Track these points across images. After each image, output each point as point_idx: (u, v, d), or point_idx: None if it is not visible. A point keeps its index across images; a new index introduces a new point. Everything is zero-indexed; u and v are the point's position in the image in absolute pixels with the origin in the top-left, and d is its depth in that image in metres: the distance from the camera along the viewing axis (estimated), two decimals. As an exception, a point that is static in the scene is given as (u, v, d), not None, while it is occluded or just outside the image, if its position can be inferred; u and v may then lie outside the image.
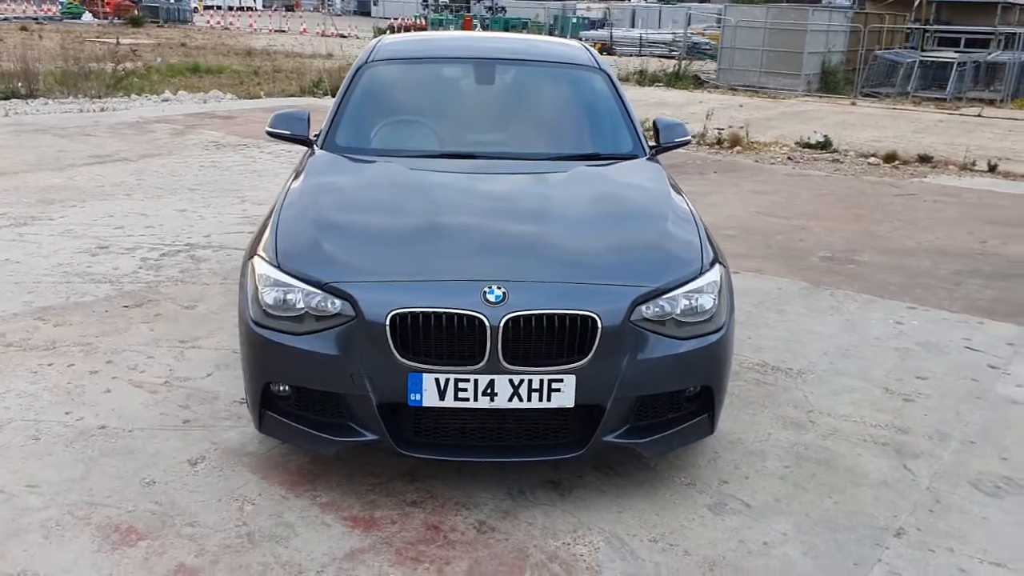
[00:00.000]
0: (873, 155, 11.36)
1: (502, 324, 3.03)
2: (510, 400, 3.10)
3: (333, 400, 3.22)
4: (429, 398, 3.09)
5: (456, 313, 3.04)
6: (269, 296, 3.25)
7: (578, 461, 3.32)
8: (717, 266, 3.48)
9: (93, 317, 4.98)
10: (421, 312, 3.05)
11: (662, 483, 3.50)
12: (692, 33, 32.50)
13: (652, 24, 43.15)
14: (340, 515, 3.21)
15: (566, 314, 3.07)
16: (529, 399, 3.10)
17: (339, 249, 3.34)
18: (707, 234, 3.66)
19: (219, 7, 57.07)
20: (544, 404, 3.11)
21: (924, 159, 11.39)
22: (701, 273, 3.38)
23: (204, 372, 4.34)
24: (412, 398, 3.09)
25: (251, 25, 42.83)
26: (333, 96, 17.17)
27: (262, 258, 3.39)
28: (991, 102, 22.42)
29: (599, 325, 3.07)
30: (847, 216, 8.17)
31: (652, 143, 4.62)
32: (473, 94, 4.69)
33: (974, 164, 11.05)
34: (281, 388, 3.30)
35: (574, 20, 43.60)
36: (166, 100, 14.81)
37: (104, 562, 2.90)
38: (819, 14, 23.56)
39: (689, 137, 4.76)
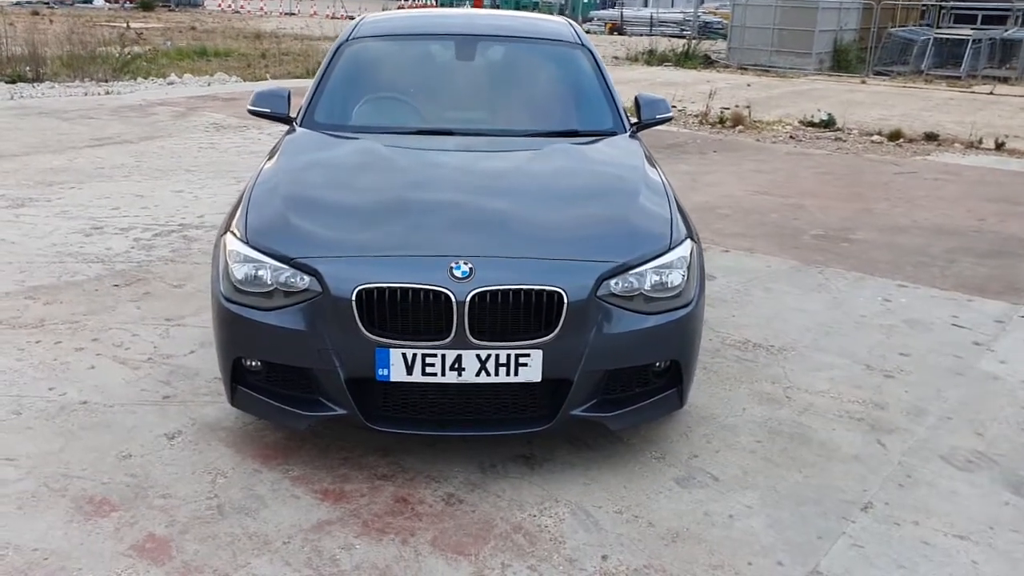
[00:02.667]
0: (877, 133, 11.27)
1: (468, 299, 3.05)
2: (477, 375, 3.12)
3: (303, 375, 3.25)
4: (396, 373, 3.12)
5: (422, 288, 3.06)
6: (239, 272, 3.28)
7: (546, 434, 3.34)
8: (688, 242, 3.48)
9: (83, 296, 5.04)
10: (387, 287, 3.07)
11: (632, 457, 3.52)
12: (704, 12, 32.25)
13: (665, 3, 42.86)
14: (310, 488, 3.25)
15: (532, 289, 3.09)
16: (496, 374, 3.12)
17: (307, 225, 3.37)
18: (679, 210, 3.66)
19: (232, -10, 57.06)
20: (511, 379, 3.13)
21: (930, 137, 11.30)
22: (670, 249, 3.38)
23: (187, 349, 4.38)
24: (380, 373, 3.12)
25: (262, 8, 42.77)
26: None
27: (233, 234, 3.42)
28: (1005, 80, 22.15)
29: (565, 300, 3.09)
30: (845, 195, 8.13)
31: (634, 120, 4.60)
32: (453, 70, 4.70)
33: (980, 142, 10.96)
34: (252, 363, 3.34)
35: (585, 0, 43.35)
36: (171, 83, 14.86)
37: (76, 532, 2.95)
38: (831, -8, 23.28)
39: (671, 114, 4.74)
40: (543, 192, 3.58)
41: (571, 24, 5.09)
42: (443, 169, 3.88)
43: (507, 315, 3.09)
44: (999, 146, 10.86)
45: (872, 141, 10.92)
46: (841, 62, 23.90)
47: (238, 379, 3.36)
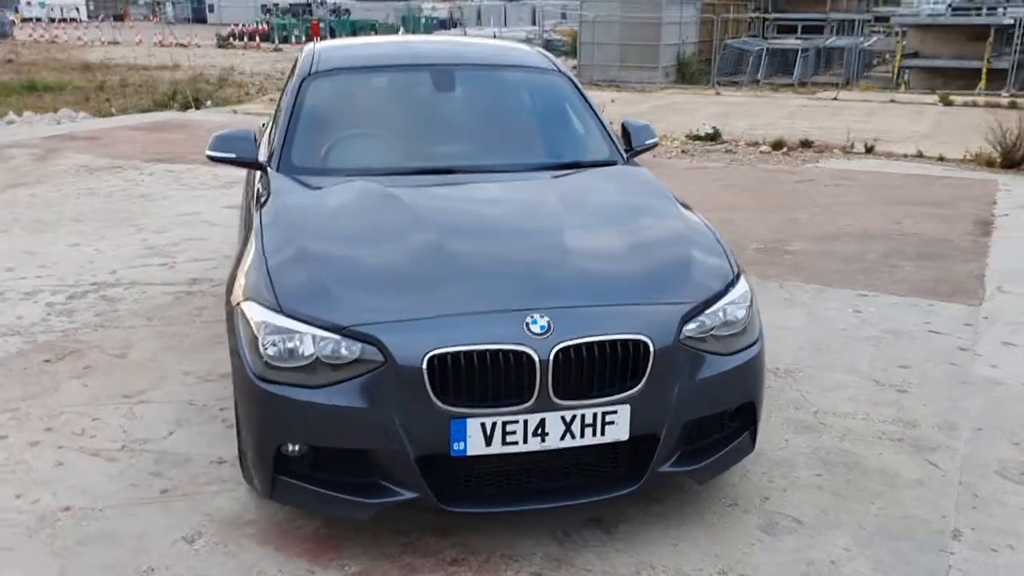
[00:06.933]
0: (762, 143, 11.62)
1: (552, 357, 2.76)
2: (562, 439, 2.84)
3: (360, 457, 2.86)
4: (474, 446, 2.79)
5: (500, 349, 2.75)
6: (272, 346, 2.85)
7: (631, 496, 3.08)
8: (743, 275, 3.33)
9: (12, 377, 4.36)
10: (462, 351, 2.74)
11: (705, 507, 3.31)
12: (547, 30, 32.78)
13: (498, 21, 43.32)
14: (380, 585, 2.86)
15: (616, 340, 2.83)
16: (582, 435, 2.85)
17: (351, 286, 2.98)
18: (724, 241, 3.51)
19: (39, 19, 53.47)
20: (598, 439, 2.87)
21: (806, 144, 11.74)
22: (734, 283, 3.22)
23: (164, 431, 3.84)
24: (455, 448, 2.79)
25: (80, 38, 40.14)
26: (196, 109, 16.25)
27: (257, 302, 2.98)
28: (835, 85, 23.55)
29: (651, 348, 2.85)
30: (762, 206, 8.26)
31: (624, 147, 4.42)
32: (436, 103, 4.36)
33: (852, 147, 11.48)
34: (294, 448, 2.92)
35: (423, 20, 43.27)
36: (11, 123, 13.55)
37: None
38: (671, 7, 24.11)
39: (657, 139, 4.59)
40: (591, 231, 3.33)
41: (541, 50, 4.87)
42: (471, 213, 3.55)
43: (592, 370, 2.82)
44: (869, 150, 11.41)
45: (761, 152, 11.24)
46: (685, 74, 24.81)
47: (279, 468, 2.92)
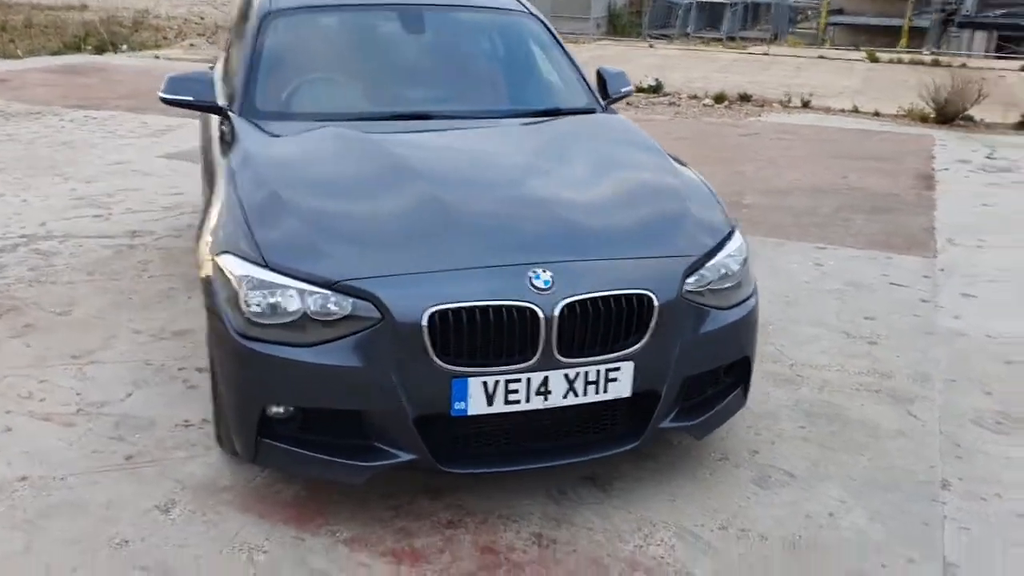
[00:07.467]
0: (703, 97, 11.61)
1: (557, 313, 2.64)
2: (565, 397, 2.74)
3: (354, 419, 2.71)
4: (475, 405, 2.67)
5: (504, 305, 2.62)
6: (256, 301, 2.67)
7: (631, 453, 3.01)
8: (737, 228, 3.26)
9: (-56, 337, 4.05)
10: (463, 307, 2.60)
11: (696, 461, 3.26)
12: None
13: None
14: (375, 551, 2.73)
15: (621, 295, 2.73)
16: (585, 393, 2.75)
17: (340, 238, 2.80)
18: (717, 195, 3.43)
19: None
20: (601, 396, 2.78)
21: (744, 98, 11.79)
22: (730, 237, 3.14)
23: (121, 393, 3.61)
24: (456, 407, 2.66)
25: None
26: (114, 53, 15.43)
27: (235, 255, 2.77)
28: (763, 40, 23.78)
29: (655, 303, 2.76)
30: (711, 159, 8.23)
31: (600, 94, 4.28)
32: (405, 45, 4.14)
33: (790, 102, 11.57)
34: (279, 410, 2.75)
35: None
36: (-90, 64, 12.67)
37: (111, 660, 2.28)
38: (602, -42, 23.93)
39: (632, 87, 4.47)
40: (586, 182, 3.20)
41: (508, -9, 4.67)
42: (459, 161, 3.38)
43: (597, 326, 2.71)
44: (805, 104, 11.52)
45: (704, 105, 11.23)
46: (616, 26, 24.75)
47: (263, 431, 2.75)
